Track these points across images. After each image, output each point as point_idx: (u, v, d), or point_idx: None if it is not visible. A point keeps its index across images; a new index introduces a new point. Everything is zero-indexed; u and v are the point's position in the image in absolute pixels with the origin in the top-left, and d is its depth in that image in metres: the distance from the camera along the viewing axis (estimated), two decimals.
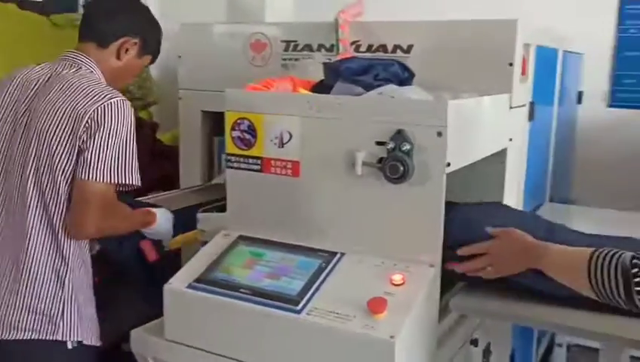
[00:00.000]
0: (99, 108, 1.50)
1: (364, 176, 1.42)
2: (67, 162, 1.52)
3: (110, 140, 1.51)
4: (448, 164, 1.36)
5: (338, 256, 1.46)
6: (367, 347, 1.25)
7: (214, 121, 2.30)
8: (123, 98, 1.55)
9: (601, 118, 2.81)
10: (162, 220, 1.75)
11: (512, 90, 1.75)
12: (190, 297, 1.45)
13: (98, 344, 1.62)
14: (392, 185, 1.39)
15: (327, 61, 1.73)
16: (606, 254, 1.21)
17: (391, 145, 1.37)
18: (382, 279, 1.37)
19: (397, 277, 1.36)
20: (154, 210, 1.76)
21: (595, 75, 2.77)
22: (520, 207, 1.94)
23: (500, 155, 1.74)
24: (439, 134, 1.34)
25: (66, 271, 1.55)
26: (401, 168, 1.36)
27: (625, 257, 1.18)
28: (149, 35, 1.72)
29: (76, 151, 1.51)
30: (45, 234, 1.54)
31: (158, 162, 2.72)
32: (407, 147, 1.36)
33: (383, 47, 1.91)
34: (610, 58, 2.78)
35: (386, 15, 1.91)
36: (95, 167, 1.50)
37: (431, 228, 1.39)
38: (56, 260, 1.55)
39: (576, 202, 2.64)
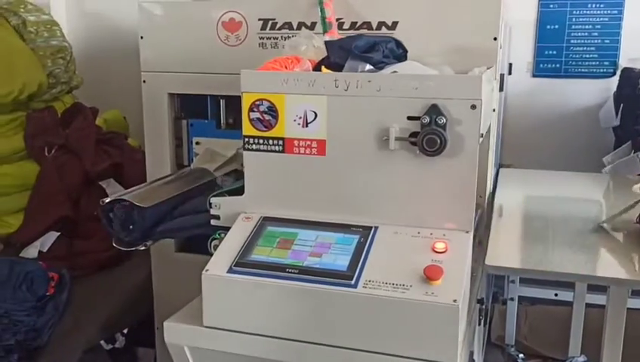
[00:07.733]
0: None
1: (396, 150, 1.47)
2: None
3: None
4: (482, 135, 1.44)
5: (373, 229, 1.50)
6: (431, 313, 1.31)
7: (181, 104, 2.23)
8: None
9: (526, 87, 3.04)
10: None
11: (496, 63, 1.87)
12: (234, 282, 1.43)
13: None
14: (426, 158, 1.45)
15: (330, 39, 1.74)
16: None
17: (426, 120, 1.43)
18: (424, 248, 1.44)
19: (440, 245, 1.43)
20: None
21: (521, 48, 2.99)
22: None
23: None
24: (473, 107, 1.42)
25: None
26: (438, 141, 1.43)
27: None
28: None
29: None
30: None
31: (105, 149, 2.59)
32: (443, 120, 1.42)
33: (367, 25, 1.94)
34: (534, 31, 3.01)
35: None
36: None
37: (466, 196, 1.47)
38: None
39: (511, 166, 2.86)
